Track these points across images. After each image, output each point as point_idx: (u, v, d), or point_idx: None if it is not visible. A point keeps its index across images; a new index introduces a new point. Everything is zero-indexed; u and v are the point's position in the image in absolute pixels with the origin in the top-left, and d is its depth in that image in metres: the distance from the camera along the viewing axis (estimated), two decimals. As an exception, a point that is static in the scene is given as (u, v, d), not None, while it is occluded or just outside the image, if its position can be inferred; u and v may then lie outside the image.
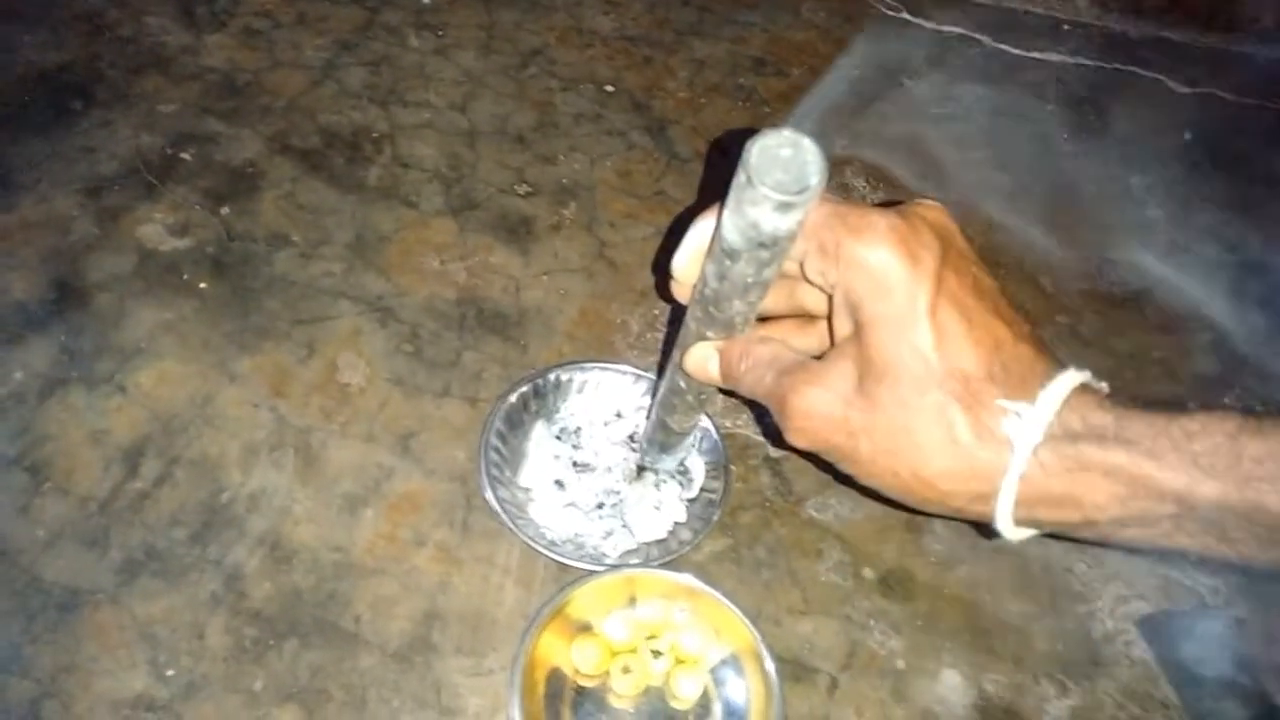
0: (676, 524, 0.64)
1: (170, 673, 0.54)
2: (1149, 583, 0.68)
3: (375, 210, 0.80)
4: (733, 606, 0.57)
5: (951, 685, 0.61)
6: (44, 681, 0.53)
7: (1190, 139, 1.06)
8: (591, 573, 0.57)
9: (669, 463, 0.63)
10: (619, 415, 0.69)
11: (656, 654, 0.57)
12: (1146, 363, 0.82)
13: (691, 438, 0.61)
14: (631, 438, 0.68)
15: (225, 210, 0.77)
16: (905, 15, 1.13)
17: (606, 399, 0.69)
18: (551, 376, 0.68)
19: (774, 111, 0.97)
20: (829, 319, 0.43)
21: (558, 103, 0.93)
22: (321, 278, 0.74)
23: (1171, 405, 0.38)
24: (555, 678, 0.56)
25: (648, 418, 0.63)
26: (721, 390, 0.49)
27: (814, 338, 0.47)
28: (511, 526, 0.60)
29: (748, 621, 0.56)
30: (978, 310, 0.40)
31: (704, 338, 0.46)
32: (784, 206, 0.35)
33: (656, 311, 0.77)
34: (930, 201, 0.42)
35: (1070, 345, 0.82)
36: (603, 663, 0.56)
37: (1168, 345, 0.84)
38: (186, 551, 0.59)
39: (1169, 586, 0.68)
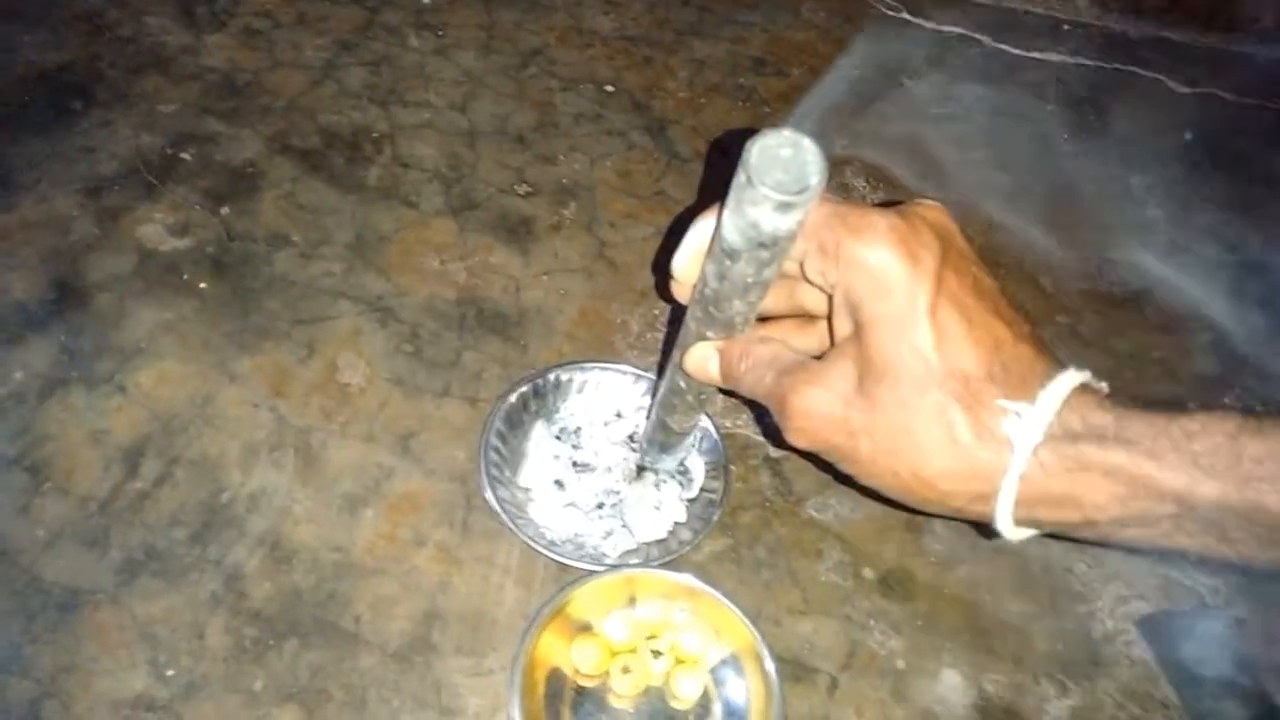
0: (676, 524, 0.64)
1: (170, 673, 0.54)
2: (1149, 583, 0.68)
3: (375, 210, 0.80)
4: (733, 606, 0.57)
5: (951, 685, 0.61)
6: (44, 681, 0.53)
7: (1190, 139, 1.06)
8: (591, 573, 0.57)
9: (669, 463, 0.63)
10: (619, 415, 0.69)
11: (656, 654, 0.57)
12: (1146, 363, 0.82)
13: (691, 438, 0.61)
14: (631, 438, 0.68)
15: (225, 210, 0.77)
16: (905, 15, 1.13)
17: (606, 399, 0.69)
18: (551, 376, 0.68)
19: (774, 111, 0.97)
20: (829, 319, 0.43)
21: (558, 103, 0.93)
22: (321, 278, 0.74)
23: (1171, 405, 0.38)
24: (555, 678, 0.56)
25: (648, 418, 0.63)
26: (721, 390, 0.49)
27: (814, 338, 0.47)
28: (511, 526, 0.60)
29: (748, 621, 0.56)
30: (978, 310, 0.40)
31: (704, 338, 0.46)
32: (784, 206, 0.35)
33: (656, 311, 0.77)
34: (930, 201, 0.42)
35: (1070, 345, 0.82)
36: (603, 663, 0.56)
37: (1167, 345, 0.84)
38: (186, 551, 0.59)
39: (1169, 586, 0.68)
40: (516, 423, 0.66)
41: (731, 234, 0.38)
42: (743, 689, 0.56)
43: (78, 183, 0.76)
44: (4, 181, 0.76)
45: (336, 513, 0.62)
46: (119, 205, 0.76)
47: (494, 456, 0.64)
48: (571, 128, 0.91)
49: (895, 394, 0.39)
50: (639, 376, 0.69)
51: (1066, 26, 1.19)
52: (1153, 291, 0.89)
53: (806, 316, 0.48)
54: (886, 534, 0.67)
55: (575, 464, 0.66)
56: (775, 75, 1.02)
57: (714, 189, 0.39)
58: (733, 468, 0.67)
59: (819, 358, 0.44)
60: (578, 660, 0.56)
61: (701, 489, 0.66)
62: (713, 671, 0.58)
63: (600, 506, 0.64)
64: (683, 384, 0.51)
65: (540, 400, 0.68)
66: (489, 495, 0.61)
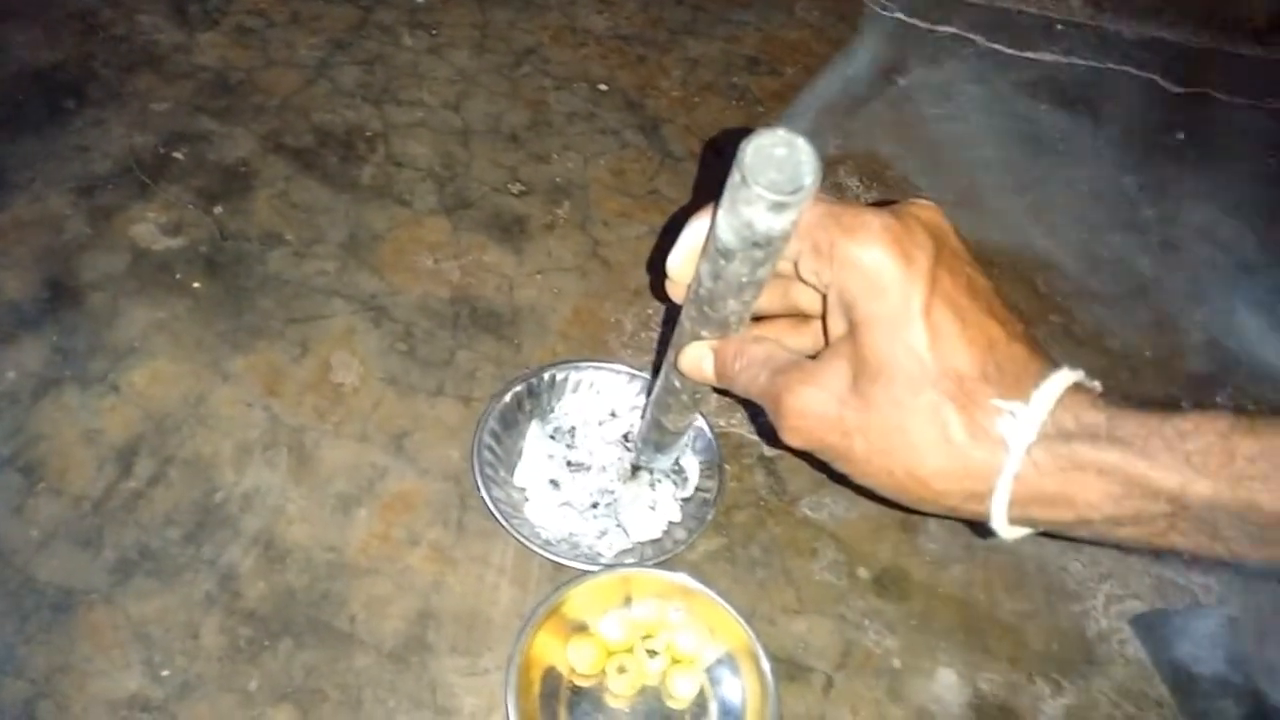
0: (671, 523, 0.64)
1: (165, 673, 0.54)
2: (1143, 581, 0.68)
3: (369, 209, 0.80)
4: (728, 606, 0.57)
5: (947, 684, 0.61)
6: (39, 682, 0.53)
7: (1183, 138, 1.06)
8: (586, 572, 0.57)
9: (664, 462, 0.63)
10: (613, 414, 0.69)
11: (652, 653, 0.57)
12: (1140, 362, 0.83)
13: (686, 437, 0.61)
14: (626, 437, 0.68)
15: (218, 209, 0.77)
16: (899, 15, 1.13)
17: (601, 398, 0.69)
18: (546, 375, 0.68)
19: (768, 111, 0.98)
20: (823, 318, 0.43)
21: (551, 102, 0.93)
22: (315, 277, 0.74)
23: (1165, 405, 0.38)
24: (551, 677, 0.56)
25: (642, 417, 0.63)
26: (716, 389, 0.49)
27: (808, 337, 0.47)
28: (506, 526, 0.60)
29: (743, 621, 0.56)
30: (971, 310, 0.40)
31: (699, 337, 0.46)
32: (778, 206, 0.35)
33: (650, 310, 0.77)
34: (924, 201, 0.42)
35: (1063, 345, 0.82)
36: (598, 662, 0.56)
37: (1160, 345, 0.84)
38: (180, 551, 0.59)
39: (1163, 585, 0.68)
40: (511, 422, 0.66)
41: (726, 233, 0.38)
42: (738, 688, 0.56)
43: (71, 182, 0.76)
44: (-3, 180, 0.76)
45: (330, 512, 0.62)
46: (112, 204, 0.75)
47: (488, 456, 0.63)
48: (565, 127, 0.91)
49: (889, 393, 0.39)
50: (633, 376, 0.69)
51: (1060, 26, 1.19)
52: (1146, 291, 0.89)
53: (801, 316, 0.48)
54: (881, 533, 0.67)
55: (570, 463, 0.66)
56: (769, 74, 1.02)
57: (708, 188, 0.39)
58: (727, 467, 0.67)
59: (813, 357, 0.44)
60: (573, 660, 0.56)
61: (696, 488, 0.66)
62: (708, 671, 0.58)
63: (595, 506, 0.64)
64: (677, 383, 0.51)
65: (534, 399, 0.68)
66: (483, 494, 0.61)
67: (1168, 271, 0.92)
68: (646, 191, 0.87)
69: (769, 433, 0.66)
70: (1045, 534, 0.43)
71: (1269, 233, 0.97)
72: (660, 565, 0.60)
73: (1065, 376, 0.39)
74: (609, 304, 0.77)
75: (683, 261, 0.44)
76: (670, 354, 0.50)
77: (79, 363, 0.66)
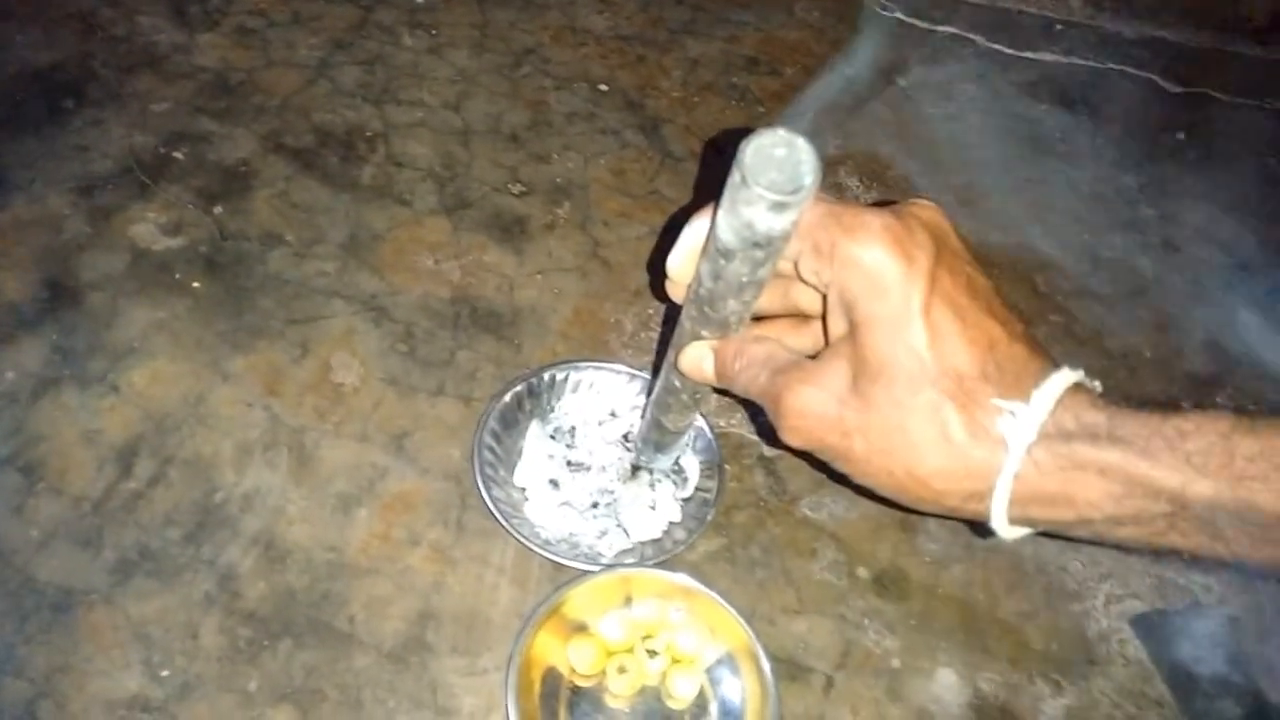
0: (671, 523, 0.64)
1: (165, 673, 0.54)
2: (1143, 581, 0.68)
3: (369, 209, 0.80)
4: (728, 606, 0.57)
5: (946, 684, 0.61)
6: (38, 682, 0.53)
7: (1183, 138, 1.06)
8: (586, 572, 0.57)
9: (664, 462, 0.63)
10: (613, 415, 0.69)
11: (652, 653, 0.57)
12: (1139, 362, 0.83)
13: (686, 437, 0.61)
14: (626, 437, 0.68)
15: (218, 209, 0.77)
16: (899, 15, 1.13)
17: (601, 398, 0.69)
18: (546, 376, 0.68)
19: (768, 111, 0.98)
20: (824, 318, 0.43)
21: (551, 102, 0.93)
22: (315, 277, 0.74)
23: (1165, 405, 0.38)
24: (551, 677, 0.56)
25: (643, 417, 0.63)
26: (716, 389, 0.49)
27: (809, 337, 0.47)
28: (506, 526, 0.60)
29: (743, 621, 0.56)
30: (972, 309, 0.40)
31: (699, 337, 0.46)
32: (778, 206, 0.35)
33: (651, 311, 0.77)
34: (924, 201, 0.42)
35: (1064, 344, 0.82)
36: (599, 662, 0.56)
37: (1160, 345, 0.84)
38: (180, 551, 0.59)
39: (1163, 585, 0.68)
40: (511, 422, 0.66)
41: (726, 233, 0.38)
42: (738, 688, 0.56)
43: (70, 182, 0.76)
44: (-4, 180, 0.76)
45: (330, 512, 0.62)
46: (111, 204, 0.75)
47: (488, 456, 0.63)
48: (565, 127, 0.91)
49: (890, 393, 0.39)
50: (633, 376, 0.69)
51: (1059, 26, 1.19)
52: (1146, 291, 0.89)
53: (801, 316, 0.48)
54: (881, 533, 0.67)
55: (570, 463, 0.66)
56: (769, 74, 1.02)
57: (709, 188, 0.39)
58: (727, 467, 0.67)
59: (814, 357, 0.44)
60: (574, 660, 0.56)
61: (696, 488, 0.66)
62: (708, 671, 0.58)
63: (595, 506, 0.64)
64: (678, 383, 0.51)
65: (535, 399, 0.68)
66: (484, 494, 0.61)
67: (1168, 271, 0.92)
68: (647, 192, 0.87)
69: (769, 433, 0.66)
70: (1045, 534, 0.43)
71: (1269, 233, 0.97)
72: (660, 565, 0.60)
73: (1066, 376, 0.39)
74: (609, 304, 0.77)
75: (683, 261, 0.44)
76: (670, 354, 0.50)
77: (78, 363, 0.66)
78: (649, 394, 0.61)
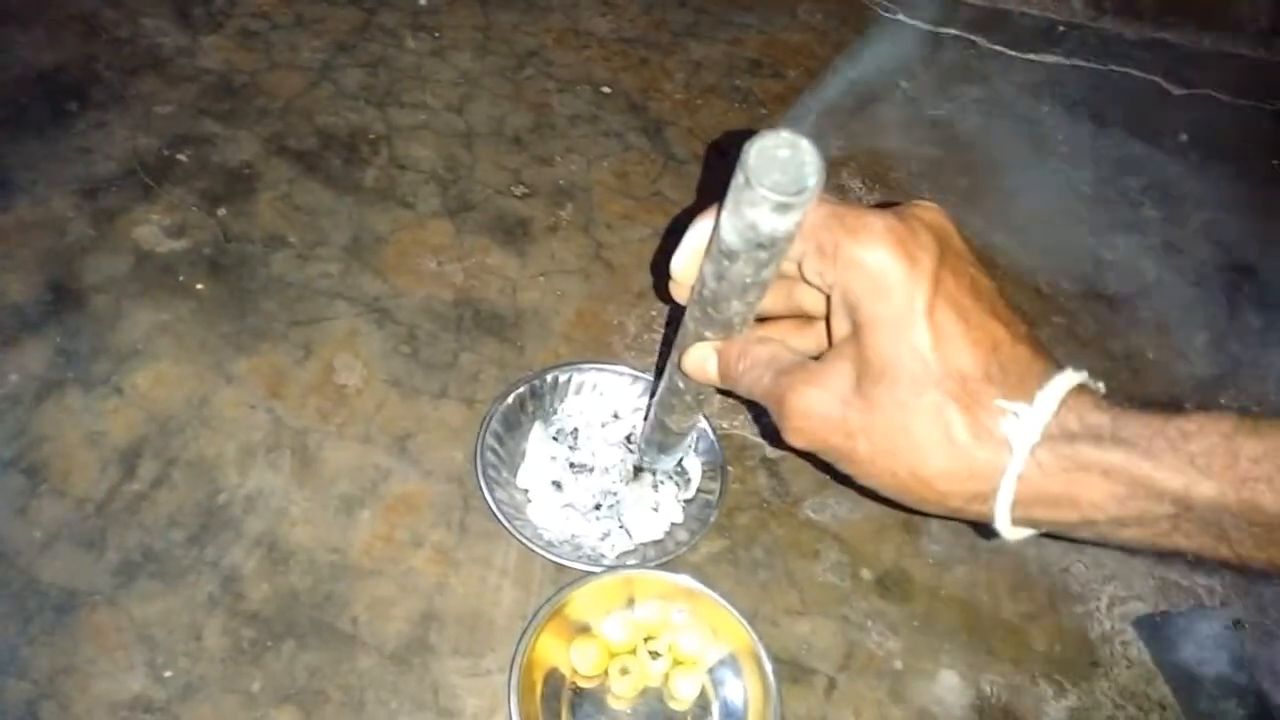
0: (674, 525, 0.64)
1: (168, 674, 0.54)
2: (1146, 583, 0.68)
3: (372, 211, 0.80)
4: (730, 607, 0.57)
5: (949, 686, 0.61)
6: (41, 683, 0.53)
7: (1185, 140, 1.06)
8: (589, 574, 0.57)
9: (667, 463, 0.63)
10: (616, 416, 0.69)
11: (655, 655, 0.57)
12: (1143, 364, 0.83)
13: (689, 438, 0.61)
14: (628, 439, 0.68)
15: (222, 211, 0.77)
16: (901, 17, 1.13)
17: (603, 400, 0.69)
18: (548, 377, 0.68)
19: (770, 113, 0.98)
20: (827, 319, 0.43)
21: (554, 104, 0.93)
22: (318, 279, 0.74)
23: (1168, 406, 0.38)
24: (553, 679, 0.56)
25: (645, 418, 0.63)
26: (720, 390, 0.49)
27: (812, 338, 0.47)
28: (509, 527, 0.60)
29: (745, 622, 0.56)
30: (975, 311, 0.40)
31: (702, 338, 0.46)
32: (782, 207, 0.35)
33: (654, 312, 0.77)
34: (928, 202, 0.42)
35: (1067, 346, 0.82)
36: (601, 663, 0.56)
37: (1163, 346, 0.84)
38: (184, 553, 0.59)
39: (1166, 587, 0.68)
40: (514, 424, 0.66)
41: (730, 235, 0.38)
42: (740, 690, 0.56)
43: (74, 184, 0.76)
44: (0, 183, 0.75)
45: (333, 514, 0.62)
46: (115, 207, 0.75)
47: (491, 458, 0.64)
48: (568, 129, 0.91)
49: (893, 394, 0.39)
50: (636, 377, 0.69)
51: (1062, 28, 1.19)
52: (1149, 292, 0.89)
53: (805, 317, 0.48)
54: (884, 535, 0.67)
55: (572, 465, 0.66)
56: (771, 77, 1.02)
57: (712, 190, 0.39)
58: (730, 468, 0.67)
59: (817, 358, 0.44)
60: (576, 661, 0.56)
61: (698, 490, 0.66)
62: (711, 672, 0.58)
63: (598, 507, 0.64)
64: (681, 384, 0.51)
65: (537, 401, 0.68)
66: (486, 496, 0.61)
67: (1170, 273, 0.92)
68: (649, 194, 0.87)
69: (772, 434, 0.66)
70: (1048, 535, 0.42)
71: (1271, 234, 0.97)
72: (663, 567, 0.60)
73: (1069, 377, 0.39)
74: (612, 306, 0.77)
75: (686, 262, 0.44)
76: (674, 355, 0.50)
77: (82, 365, 0.66)
78: (652, 395, 0.61)
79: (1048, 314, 0.85)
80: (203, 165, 0.80)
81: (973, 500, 0.40)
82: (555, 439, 0.67)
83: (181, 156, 0.80)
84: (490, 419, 0.65)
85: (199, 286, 0.72)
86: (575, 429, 0.68)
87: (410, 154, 0.85)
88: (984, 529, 0.41)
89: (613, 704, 0.57)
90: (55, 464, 0.61)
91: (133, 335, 0.68)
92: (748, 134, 0.36)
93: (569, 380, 0.69)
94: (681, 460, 0.66)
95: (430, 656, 0.57)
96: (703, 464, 0.67)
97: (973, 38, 1.13)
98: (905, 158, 0.96)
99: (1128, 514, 0.38)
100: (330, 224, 0.78)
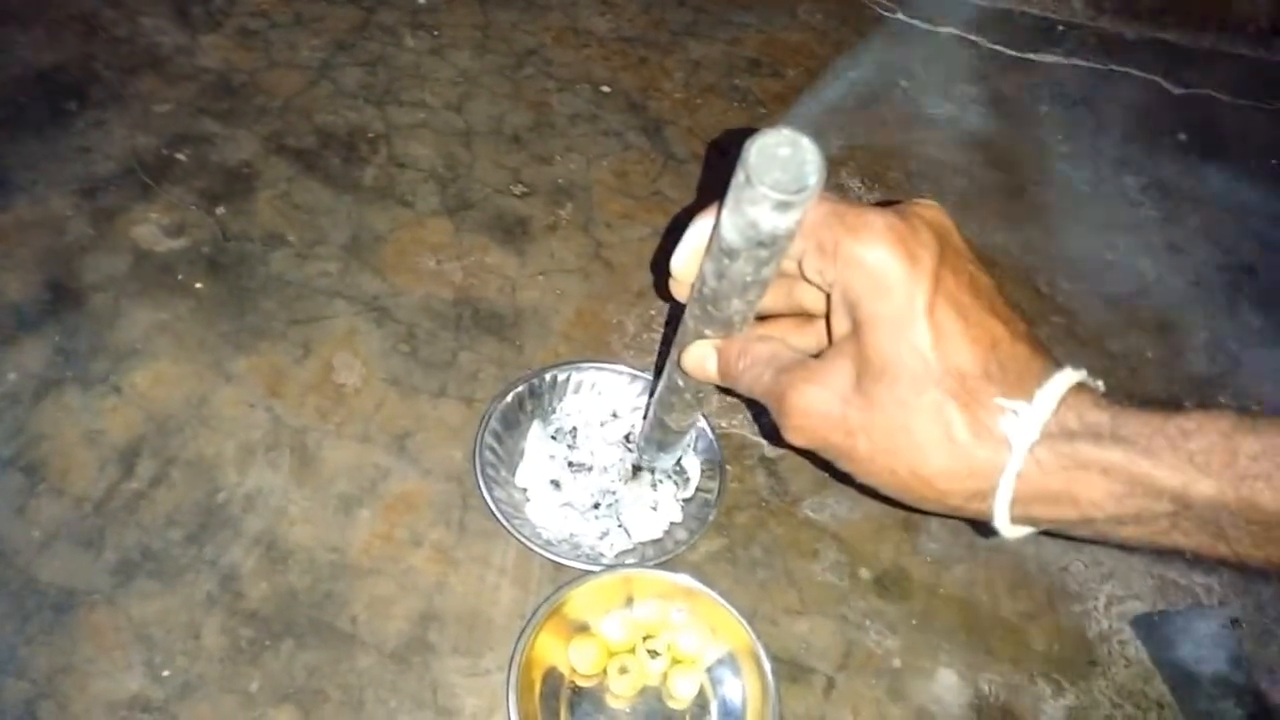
0: (672, 524, 0.64)
1: (166, 673, 0.54)
2: (1145, 582, 0.68)
3: (371, 210, 0.80)
4: (729, 606, 0.57)
5: (948, 685, 0.61)
6: (40, 682, 0.53)
7: (1185, 140, 1.06)
8: (588, 573, 0.57)
9: (666, 461, 0.63)
10: (615, 415, 0.69)
11: (653, 654, 0.57)
12: (1141, 363, 0.83)
13: (688, 437, 0.61)
14: (627, 438, 0.68)
15: (221, 210, 0.77)
16: (901, 16, 1.13)
17: (602, 399, 0.69)
18: (547, 376, 0.68)
19: (770, 112, 0.98)
20: (827, 318, 0.43)
21: (554, 103, 0.93)
22: (317, 278, 0.74)
23: (1167, 404, 0.38)
24: (552, 678, 0.56)
25: (645, 417, 0.63)
26: (719, 389, 0.49)
27: (812, 336, 0.47)
28: (508, 526, 0.60)
29: (744, 621, 0.56)
30: (975, 309, 0.40)
31: (702, 336, 0.46)
32: (782, 205, 0.35)
33: (653, 312, 0.77)
34: (928, 201, 0.42)
35: (1066, 345, 0.82)
36: (600, 662, 0.56)
37: (1162, 345, 0.84)
38: (182, 552, 0.59)
39: (1164, 586, 0.68)
40: (512, 423, 0.66)
41: (730, 233, 0.38)
42: (739, 689, 0.56)
43: (73, 183, 0.76)
44: (-1, 181, 0.76)
45: (333, 513, 0.62)
46: (114, 206, 0.75)
47: (490, 456, 0.63)
48: (568, 128, 0.91)
49: (893, 393, 0.39)
50: (635, 376, 0.69)
51: (1061, 28, 1.19)
52: (1148, 292, 0.89)
53: (805, 315, 0.48)
54: (883, 534, 0.67)
55: (571, 464, 0.66)
56: (771, 76, 1.02)
57: (712, 190, 0.39)
58: (729, 467, 0.67)
59: (817, 356, 0.44)
60: (575, 660, 0.56)
61: (697, 489, 0.66)
62: (709, 671, 0.58)
63: (596, 506, 0.64)
64: (681, 382, 0.51)
65: (536, 400, 0.68)
66: (485, 495, 0.61)
67: (1169, 272, 0.92)
68: (649, 193, 0.87)
69: (772, 433, 0.66)
70: (1047, 534, 0.43)
71: (1270, 234, 0.97)
72: (662, 566, 0.60)
73: (1068, 376, 0.39)
74: (611, 305, 0.77)
75: (686, 260, 0.44)
76: (674, 352, 0.50)
77: (81, 364, 0.66)
78: (652, 394, 0.61)
79: (1046, 313, 0.85)
80: (201, 164, 0.80)
81: (972, 498, 0.40)
82: (554, 438, 0.67)
83: (180, 155, 0.80)
84: (489, 418, 0.65)
85: (198, 285, 0.72)
86: (574, 428, 0.68)
87: (409, 153, 0.85)
88: (983, 527, 0.41)
89: (611, 703, 0.57)
90: (54, 463, 0.61)
91: (131, 334, 0.68)
92: (747, 133, 0.36)
93: (568, 379, 0.69)
94: (680, 459, 0.66)
95: (429, 655, 0.57)
96: (701, 463, 0.67)
97: (973, 37, 1.13)
98: (905, 157, 0.96)
99: (1126, 512, 0.38)
100: (329, 223, 0.78)
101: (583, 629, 0.58)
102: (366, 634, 0.57)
